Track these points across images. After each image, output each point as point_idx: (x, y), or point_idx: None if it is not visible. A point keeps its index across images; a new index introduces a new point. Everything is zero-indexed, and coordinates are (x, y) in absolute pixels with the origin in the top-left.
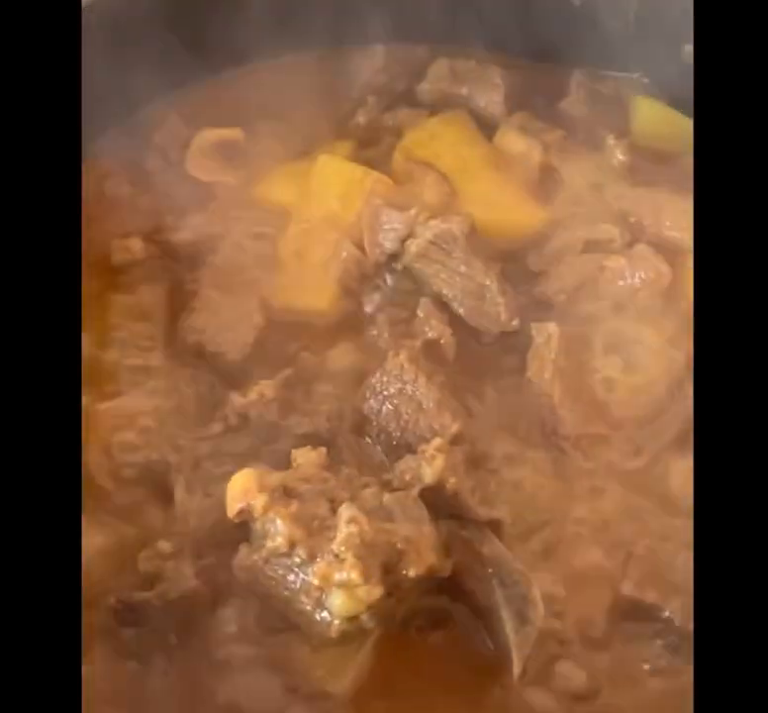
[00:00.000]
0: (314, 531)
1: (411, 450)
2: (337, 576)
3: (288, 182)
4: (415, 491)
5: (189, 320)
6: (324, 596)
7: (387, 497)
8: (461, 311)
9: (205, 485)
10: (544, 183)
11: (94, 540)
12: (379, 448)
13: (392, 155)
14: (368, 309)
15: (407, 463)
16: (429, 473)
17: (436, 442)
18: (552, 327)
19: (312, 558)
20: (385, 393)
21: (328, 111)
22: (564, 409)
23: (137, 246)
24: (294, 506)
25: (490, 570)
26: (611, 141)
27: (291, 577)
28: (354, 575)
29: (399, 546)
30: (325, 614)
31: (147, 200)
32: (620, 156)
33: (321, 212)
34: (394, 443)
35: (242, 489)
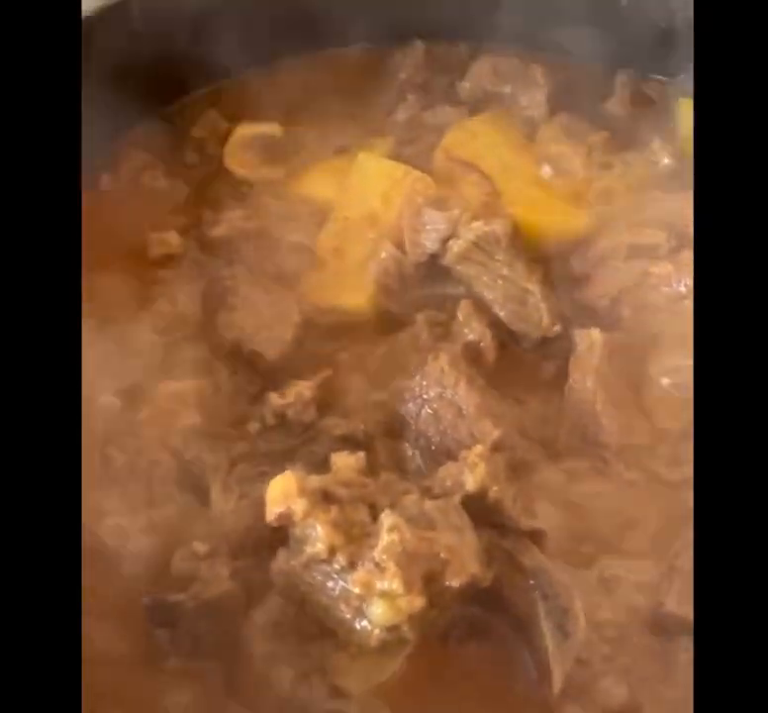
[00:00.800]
0: (354, 537)
1: (449, 455)
2: (379, 585)
3: (327, 179)
4: (456, 499)
5: (227, 317)
6: (364, 605)
7: (428, 504)
8: (502, 314)
9: (241, 486)
10: (588, 186)
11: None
12: (417, 452)
13: (432, 154)
14: (407, 310)
15: (448, 470)
16: (471, 481)
17: (478, 448)
18: (596, 333)
19: (352, 565)
20: (424, 397)
21: (367, 108)
22: (607, 417)
23: (174, 239)
24: (334, 512)
25: (531, 582)
26: (656, 144)
27: (330, 584)
28: (396, 585)
29: (442, 555)
30: (364, 623)
31: (185, 194)
32: (665, 160)
33: (360, 210)
34: (433, 448)
35: (283, 493)
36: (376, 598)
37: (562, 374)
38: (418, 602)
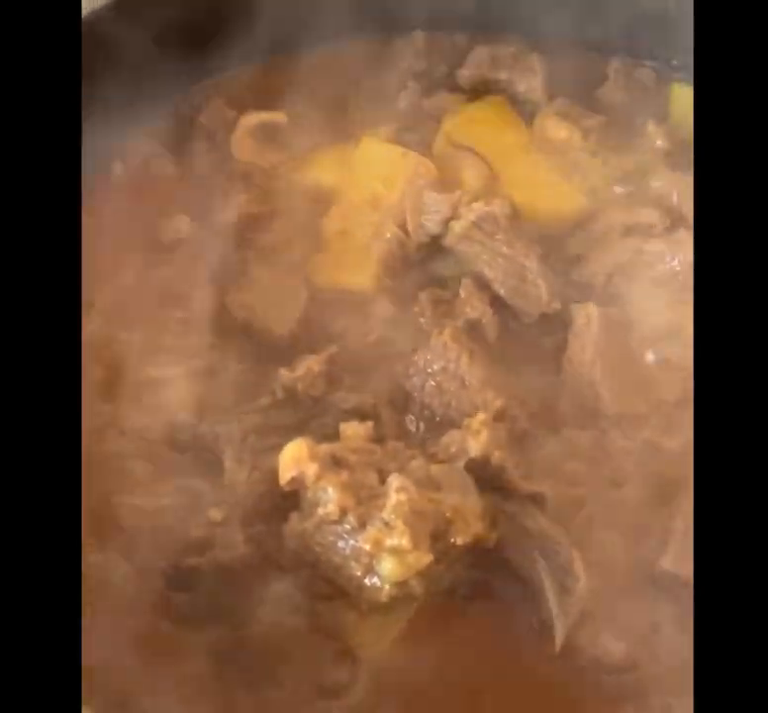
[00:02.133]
0: (363, 499)
1: (453, 425)
2: (388, 542)
3: (331, 164)
4: (461, 463)
5: (237, 297)
6: (374, 562)
7: (433, 468)
8: (502, 292)
9: (253, 457)
10: (584, 168)
11: (141, 506)
12: (422, 423)
13: (432, 140)
14: (411, 289)
15: (452, 437)
16: (474, 446)
17: (481, 416)
18: (592, 307)
19: (362, 525)
20: (428, 370)
21: (369, 96)
22: (604, 388)
23: (184, 225)
24: (344, 475)
25: (533, 542)
26: (651, 127)
27: (341, 544)
28: (405, 541)
29: (447, 514)
30: (375, 579)
31: (193, 181)
32: (659, 142)
33: (363, 193)
34: (437, 419)
35: (294, 458)
36: (386, 555)
37: (561, 348)
38: (425, 558)
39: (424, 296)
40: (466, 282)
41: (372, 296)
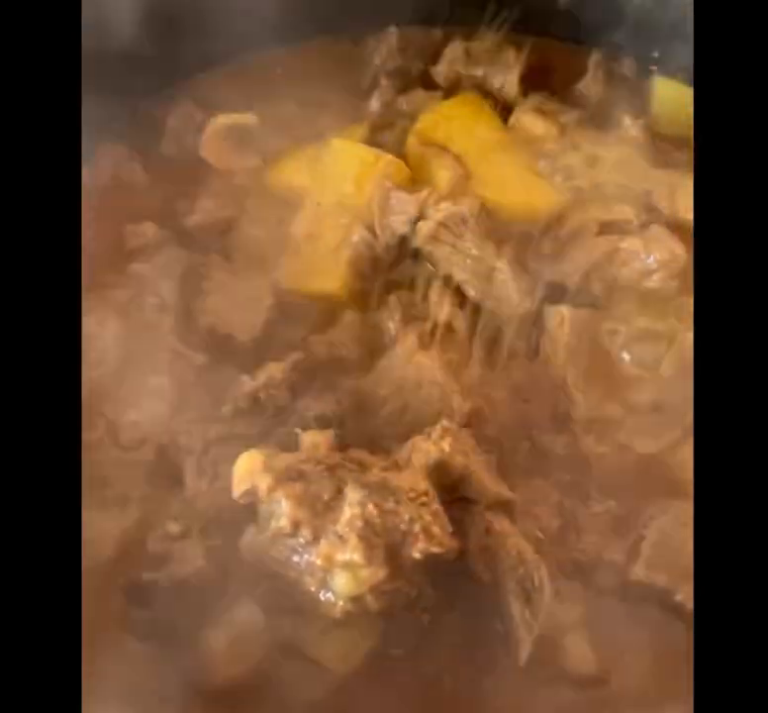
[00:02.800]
0: (318, 512)
1: (420, 432)
2: (340, 557)
3: (301, 166)
4: (422, 472)
5: (201, 303)
6: (328, 577)
7: (393, 477)
8: (473, 293)
9: (215, 467)
10: (560, 165)
11: (102, 520)
12: (388, 430)
13: (406, 139)
14: (380, 292)
15: (414, 444)
16: (435, 454)
17: (444, 422)
18: (566, 309)
19: (316, 538)
20: (395, 376)
21: (342, 95)
22: (577, 391)
23: (150, 230)
24: (299, 487)
25: (498, 552)
26: (627, 121)
27: (295, 558)
28: (357, 556)
29: (403, 527)
30: (329, 595)
31: (161, 185)
32: (636, 136)
33: (333, 196)
34: (404, 425)
35: (247, 470)
36: (338, 570)
37: (533, 351)
38: (379, 573)
39: (393, 299)
40: (436, 284)
41: (340, 301)
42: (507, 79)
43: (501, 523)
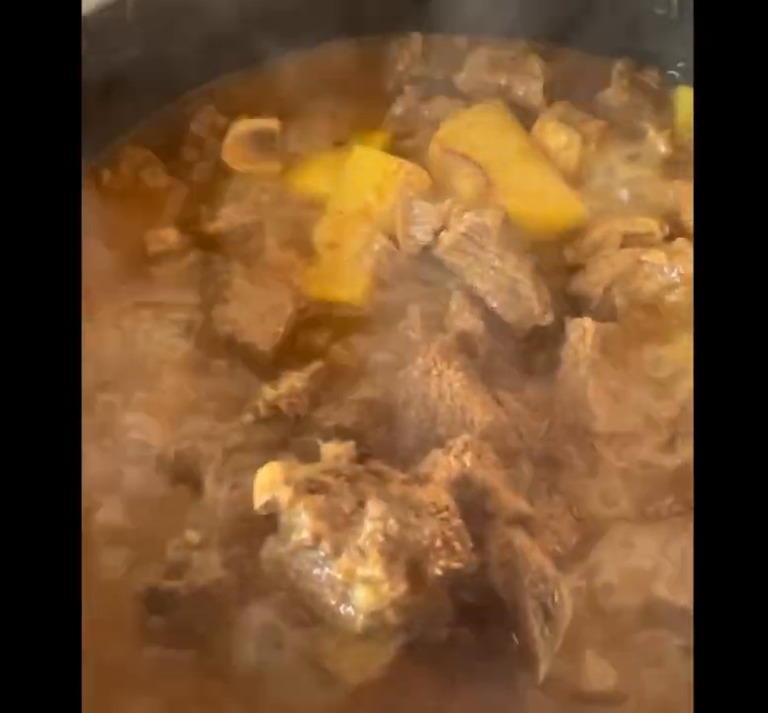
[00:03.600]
0: (339, 525)
1: (438, 443)
2: (361, 572)
3: (323, 173)
4: (443, 486)
5: (222, 310)
6: (348, 591)
7: (414, 491)
8: (494, 305)
9: (234, 476)
10: (583, 175)
11: (119, 525)
12: (408, 442)
13: (428, 146)
14: (400, 302)
15: (435, 457)
16: (457, 467)
17: (465, 436)
18: (588, 322)
19: (337, 552)
20: (415, 387)
21: (364, 101)
22: (598, 405)
23: (171, 236)
24: (320, 500)
25: (518, 568)
26: (652, 132)
27: (316, 571)
28: (378, 571)
29: (424, 542)
30: (349, 609)
31: (183, 190)
32: (661, 149)
33: (355, 204)
34: (423, 437)
35: (269, 482)
36: (359, 584)
37: (554, 364)
38: (400, 588)
39: (414, 309)
40: (457, 295)
41: (361, 309)
42: (531, 88)
43: (520, 538)
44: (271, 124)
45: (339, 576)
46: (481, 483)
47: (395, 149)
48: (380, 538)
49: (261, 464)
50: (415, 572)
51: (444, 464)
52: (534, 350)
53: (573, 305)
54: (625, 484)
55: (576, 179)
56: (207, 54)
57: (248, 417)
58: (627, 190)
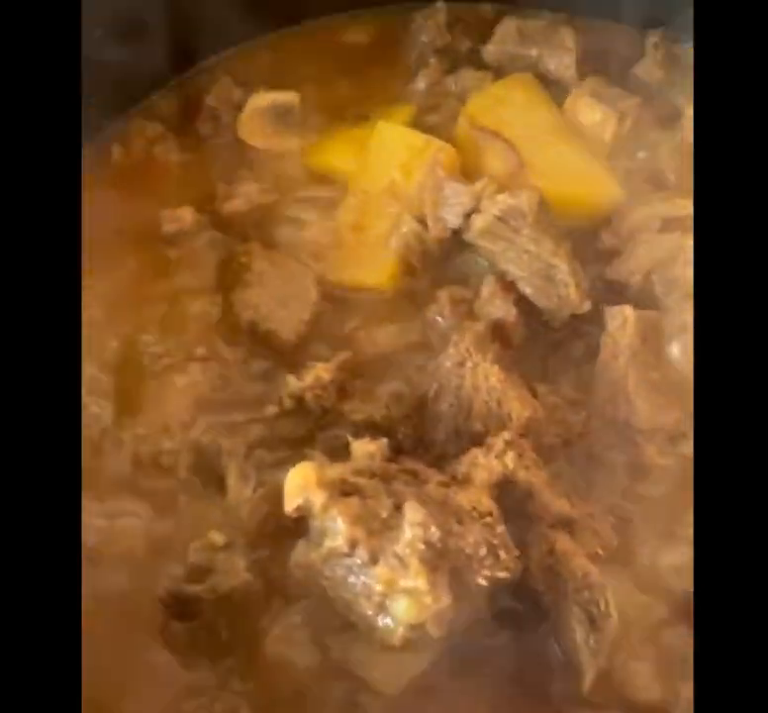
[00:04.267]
0: (375, 530)
1: (475, 440)
2: (402, 583)
3: (346, 150)
4: (485, 489)
5: (242, 295)
6: (387, 601)
7: (454, 494)
8: (528, 291)
9: (259, 472)
10: (619, 154)
11: (139, 525)
12: (442, 438)
13: (455, 121)
14: (430, 287)
15: (474, 457)
16: (499, 469)
17: (506, 435)
18: (629, 310)
19: (374, 559)
20: (448, 379)
21: (387, 73)
22: (639, 398)
23: (187, 216)
24: (355, 503)
25: (562, 573)
26: (689, 109)
27: (352, 579)
28: (420, 582)
29: (468, 550)
30: (387, 620)
31: (198, 167)
32: None
33: (380, 183)
34: (458, 433)
35: (301, 484)
36: (399, 595)
37: (592, 354)
38: (444, 600)
39: (443, 295)
40: (489, 280)
41: (389, 295)
42: (563, 61)
43: (563, 542)
44: (290, 97)
45: (378, 587)
46: (524, 485)
47: (420, 123)
48: (421, 546)
49: (286, 461)
50: (458, 582)
51: (485, 465)
52: (571, 339)
53: (611, 292)
54: (669, 482)
55: (612, 159)
56: (224, 20)
57: (272, 409)
58: (666, 171)
